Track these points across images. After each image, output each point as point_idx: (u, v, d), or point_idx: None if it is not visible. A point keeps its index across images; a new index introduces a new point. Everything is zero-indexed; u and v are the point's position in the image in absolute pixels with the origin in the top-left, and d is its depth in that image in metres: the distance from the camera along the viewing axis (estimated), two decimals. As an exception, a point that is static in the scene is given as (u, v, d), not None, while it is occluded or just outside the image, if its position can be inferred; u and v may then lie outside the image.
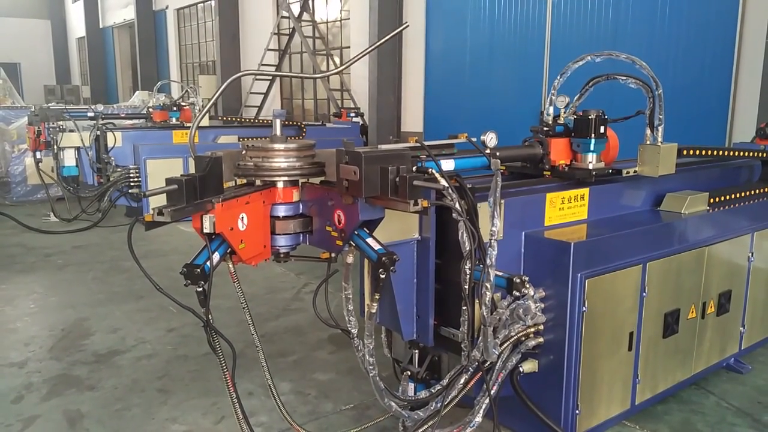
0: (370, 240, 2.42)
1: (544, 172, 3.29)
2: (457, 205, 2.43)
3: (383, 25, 11.18)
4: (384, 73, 11.38)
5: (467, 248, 2.47)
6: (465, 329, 2.62)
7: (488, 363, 2.72)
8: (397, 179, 2.30)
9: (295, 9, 14.26)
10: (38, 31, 28.57)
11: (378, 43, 2.84)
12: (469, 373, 2.75)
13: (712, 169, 4.18)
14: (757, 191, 4.02)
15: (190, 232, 9.03)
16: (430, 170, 2.44)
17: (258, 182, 2.50)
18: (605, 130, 3.22)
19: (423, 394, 2.88)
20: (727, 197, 3.79)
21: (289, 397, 3.68)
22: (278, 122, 2.61)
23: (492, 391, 2.77)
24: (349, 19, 13.34)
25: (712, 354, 3.75)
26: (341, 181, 2.33)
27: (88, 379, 3.92)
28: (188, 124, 9.67)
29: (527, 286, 2.78)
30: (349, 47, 13.41)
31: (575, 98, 3.36)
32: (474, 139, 2.86)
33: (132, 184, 8.46)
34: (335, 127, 11.04)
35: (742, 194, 3.92)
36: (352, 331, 2.63)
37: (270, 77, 15.36)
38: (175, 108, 9.79)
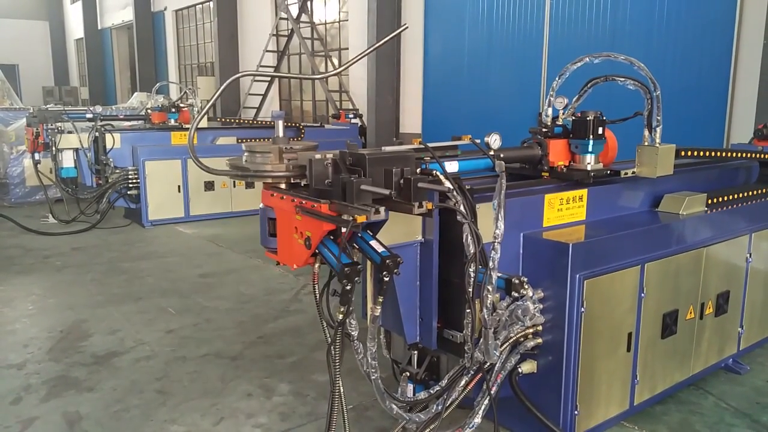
0: (373, 242, 2.41)
1: (543, 174, 3.29)
2: (462, 208, 2.44)
3: (382, 27, 11.20)
4: (382, 74, 11.39)
5: (471, 251, 2.47)
6: (468, 331, 2.62)
7: (488, 364, 2.73)
8: (401, 181, 2.30)
9: (294, 10, 14.27)
10: (36, 33, 28.57)
11: (377, 45, 2.85)
12: (469, 374, 2.75)
13: (710, 170, 4.19)
14: (755, 192, 4.03)
15: (189, 234, 9.02)
16: (434, 172, 2.44)
17: None
18: (603, 131, 3.22)
19: (422, 395, 2.88)
20: (725, 198, 3.80)
21: (288, 398, 3.68)
22: (280, 123, 2.62)
23: (491, 392, 2.78)
24: (347, 20, 13.35)
25: (711, 355, 3.76)
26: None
27: (87, 381, 3.92)
28: (187, 126, 9.67)
29: (526, 287, 2.79)
30: (347, 49, 13.42)
31: (574, 99, 3.36)
32: (477, 141, 2.86)
33: (130, 185, 8.48)
34: (334, 129, 11.07)
35: (740, 195, 3.93)
36: (353, 333, 2.62)
37: (269, 78, 15.35)
38: (173, 109, 9.78)
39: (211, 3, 16.81)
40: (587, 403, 3.03)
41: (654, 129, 3.30)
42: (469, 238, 2.47)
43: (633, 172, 3.37)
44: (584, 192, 3.27)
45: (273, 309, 5.19)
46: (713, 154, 3.93)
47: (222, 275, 6.25)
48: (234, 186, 8.98)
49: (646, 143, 3.33)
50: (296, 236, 2.48)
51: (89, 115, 9.27)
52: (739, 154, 4.25)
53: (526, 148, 3.28)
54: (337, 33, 14.12)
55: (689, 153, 3.66)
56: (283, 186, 2.58)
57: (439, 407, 2.80)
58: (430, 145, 2.69)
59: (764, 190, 4.07)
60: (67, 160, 8.65)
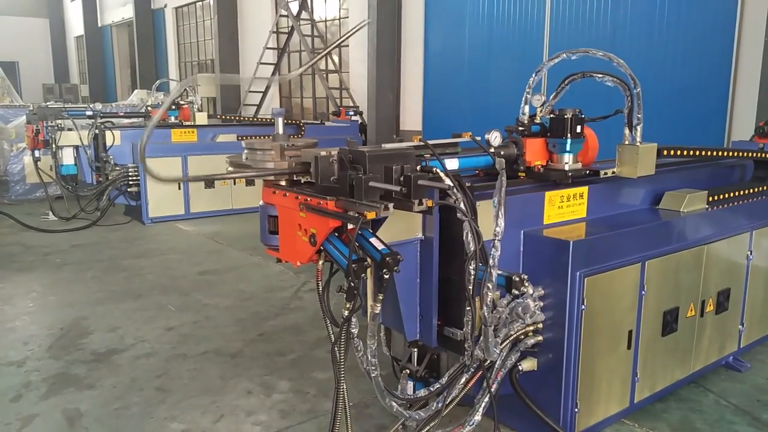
0: (373, 240, 2.40)
1: (519, 174, 3.18)
2: (462, 205, 2.43)
3: (382, 24, 11.18)
4: (383, 71, 11.38)
5: (471, 248, 2.46)
6: (468, 329, 2.61)
7: (488, 361, 2.72)
8: (402, 178, 2.29)
9: (294, 7, 14.25)
10: (36, 30, 28.53)
11: (338, 41, 2.82)
12: (470, 372, 2.75)
13: (711, 168, 4.18)
14: (756, 190, 4.02)
15: (189, 231, 9.02)
16: (434, 169, 2.43)
17: None
18: (582, 129, 3.13)
19: (422, 392, 2.88)
20: (726, 195, 3.79)
21: (288, 395, 3.68)
22: (280, 121, 2.61)
23: (492, 390, 2.77)
24: (348, 17, 13.33)
25: (711, 352, 3.75)
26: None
27: (87, 378, 3.92)
28: (187, 123, 9.68)
29: (526, 284, 2.78)
30: (347, 45, 13.40)
31: (551, 97, 3.27)
32: (478, 138, 2.85)
33: (131, 182, 8.48)
34: (334, 126, 11.06)
35: (741, 192, 3.92)
36: (353, 331, 2.62)
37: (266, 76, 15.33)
38: (173, 107, 9.79)
39: (212, 0, 16.79)
40: (587, 401, 3.03)
41: (635, 127, 3.18)
42: (470, 235, 2.46)
43: (613, 172, 3.26)
44: (585, 189, 3.26)
45: (273, 306, 5.18)
46: (699, 153, 3.82)
47: (222, 272, 6.24)
48: (234, 183, 8.98)
49: (626, 142, 3.21)
50: (300, 233, 2.48)
51: (89, 113, 9.30)
52: (729, 153, 4.20)
53: (502, 147, 3.17)
54: (337, 30, 14.09)
55: (672, 152, 3.52)
56: (284, 183, 2.57)
57: (439, 405, 2.80)
58: (431, 142, 2.68)
59: (765, 188, 4.06)
60: (68, 158, 8.65)
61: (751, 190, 3.99)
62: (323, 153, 2.38)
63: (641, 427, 3.31)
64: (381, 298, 2.47)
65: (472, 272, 2.50)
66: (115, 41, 25.18)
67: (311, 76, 14.88)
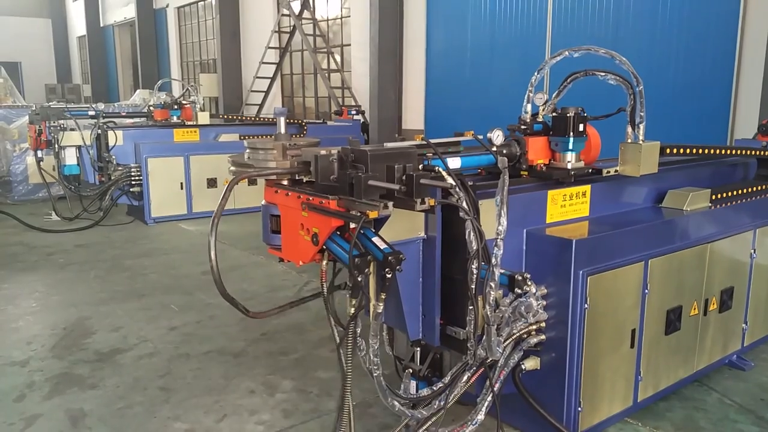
0: (375, 239, 2.40)
1: (522, 172, 3.17)
2: (464, 204, 2.42)
3: (384, 23, 11.18)
4: (385, 71, 11.38)
5: (474, 248, 2.46)
6: (471, 328, 2.61)
7: (490, 360, 2.72)
8: (404, 177, 2.28)
9: (296, 7, 14.25)
10: (39, 30, 28.59)
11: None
12: (472, 370, 2.74)
13: (714, 166, 4.17)
14: (760, 188, 4.01)
15: (191, 231, 9.01)
16: (437, 168, 2.43)
17: None
18: (584, 128, 3.12)
19: (425, 391, 2.87)
20: (730, 194, 3.78)
21: (291, 395, 3.68)
22: (282, 120, 2.60)
23: (495, 389, 2.77)
24: (349, 16, 13.33)
25: (715, 351, 3.74)
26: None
27: (90, 378, 3.93)
28: (190, 123, 9.68)
29: (529, 283, 2.78)
30: (349, 45, 13.40)
31: (554, 95, 3.26)
32: (480, 137, 2.84)
33: (133, 182, 8.49)
34: (336, 125, 11.06)
35: (745, 191, 3.91)
36: (356, 330, 2.61)
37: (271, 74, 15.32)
38: (176, 106, 9.80)
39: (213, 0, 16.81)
40: (591, 400, 3.03)
41: (637, 125, 3.15)
42: (472, 234, 2.45)
43: (616, 171, 3.25)
44: (587, 188, 3.25)
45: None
46: (702, 151, 3.83)
47: (225, 272, 6.19)
48: (237, 183, 8.97)
49: (629, 140, 3.19)
50: (302, 233, 2.48)
51: (92, 113, 9.30)
52: (731, 152, 4.19)
53: (504, 146, 3.16)
54: (339, 29, 14.10)
55: (675, 150, 3.51)
56: (286, 182, 2.57)
57: (441, 403, 2.79)
58: (433, 141, 2.67)
59: (768, 186, 4.05)
60: (70, 158, 8.64)
61: (755, 189, 3.97)
62: (323, 152, 2.38)
63: (645, 426, 3.30)
64: (383, 297, 2.47)
65: (475, 271, 2.49)
66: (118, 41, 25.23)
67: (313, 76, 14.88)
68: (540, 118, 3.19)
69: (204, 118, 10.07)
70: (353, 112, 11.39)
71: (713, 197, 3.64)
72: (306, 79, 15.47)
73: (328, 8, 14.35)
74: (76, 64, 29.08)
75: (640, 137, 3.17)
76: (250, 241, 7.39)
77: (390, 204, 2.22)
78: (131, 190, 8.54)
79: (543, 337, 2.91)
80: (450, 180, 2.41)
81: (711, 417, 3.40)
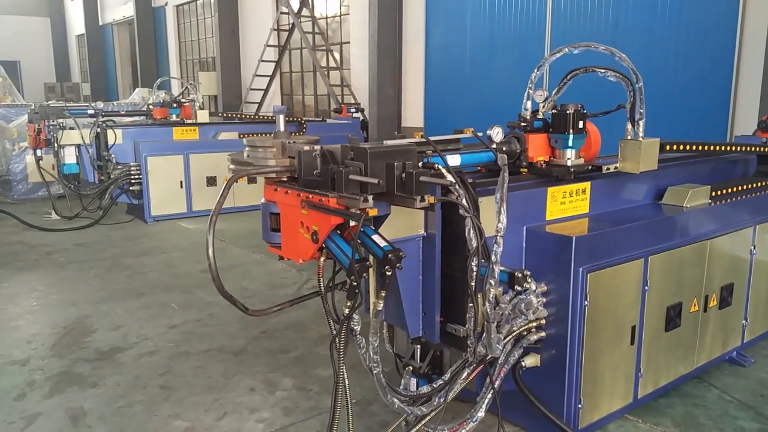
0: (375, 237, 2.40)
1: (521, 170, 3.16)
2: (464, 201, 2.42)
3: (383, 20, 11.16)
4: (384, 68, 11.36)
5: (474, 245, 2.46)
6: (471, 325, 2.61)
7: (491, 357, 2.72)
8: (403, 175, 2.28)
9: (295, 4, 14.23)
10: (38, 29, 28.53)
11: None
12: (472, 367, 2.74)
13: (714, 163, 4.16)
14: (760, 184, 4.01)
15: (191, 229, 9.00)
16: (436, 166, 2.43)
17: None
18: (584, 125, 3.11)
19: (425, 389, 2.87)
20: (729, 190, 3.78)
21: (292, 392, 3.69)
22: (282, 118, 2.60)
23: (495, 386, 2.77)
24: (348, 14, 13.31)
25: (715, 347, 3.74)
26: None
27: (91, 377, 3.93)
28: (189, 121, 9.67)
29: (529, 280, 2.77)
30: (348, 42, 13.39)
31: (554, 92, 3.25)
32: (480, 134, 2.84)
33: (133, 181, 8.48)
34: (336, 123, 11.05)
35: (745, 187, 3.91)
36: (355, 328, 2.62)
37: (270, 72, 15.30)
38: (175, 105, 9.79)
39: (212, -3, 16.79)
40: (591, 397, 3.03)
41: (637, 122, 3.15)
42: (472, 231, 2.45)
43: (615, 168, 3.25)
44: (587, 185, 3.25)
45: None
46: (701, 147, 3.82)
47: (224, 270, 6.21)
48: (236, 181, 8.97)
49: (629, 137, 3.19)
50: (302, 231, 2.48)
51: (91, 111, 9.28)
52: (731, 148, 4.19)
53: (504, 143, 3.15)
54: (338, 27, 14.08)
55: (674, 147, 3.50)
56: (285, 180, 2.57)
57: (441, 400, 2.79)
58: (432, 138, 2.67)
59: (768, 182, 4.05)
60: (69, 157, 8.64)
61: (755, 185, 3.98)
62: (306, 148, 2.40)
63: (645, 422, 3.30)
64: (383, 295, 2.47)
65: (475, 269, 2.49)
66: (116, 40, 25.19)
67: (313, 73, 14.87)
68: (540, 115, 3.19)
69: (203, 116, 10.06)
70: (353, 110, 11.37)
71: (713, 194, 3.64)
72: (305, 77, 15.45)
73: (327, 6, 14.34)
74: (75, 63, 29.05)
75: (640, 134, 3.17)
76: (249, 239, 7.39)
77: (370, 197, 2.24)
78: (131, 188, 8.53)
79: (543, 334, 2.91)
80: (450, 177, 2.40)
81: (711, 413, 3.40)
